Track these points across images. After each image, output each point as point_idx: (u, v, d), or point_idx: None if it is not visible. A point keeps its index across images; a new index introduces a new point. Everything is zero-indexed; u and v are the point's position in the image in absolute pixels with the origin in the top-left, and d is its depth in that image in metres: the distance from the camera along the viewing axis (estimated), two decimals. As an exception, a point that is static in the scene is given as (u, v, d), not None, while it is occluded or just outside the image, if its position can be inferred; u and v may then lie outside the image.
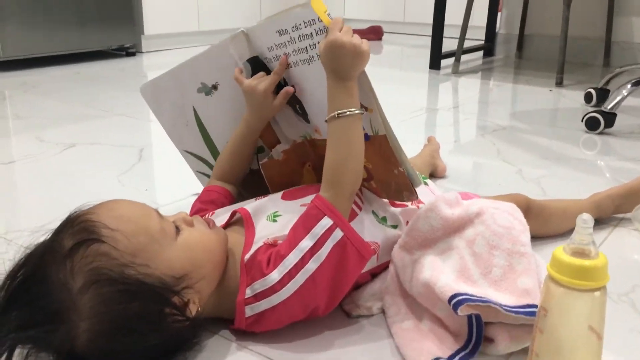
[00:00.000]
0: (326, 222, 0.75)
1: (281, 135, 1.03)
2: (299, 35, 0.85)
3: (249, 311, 0.75)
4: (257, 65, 0.97)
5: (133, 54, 3.12)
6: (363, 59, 0.80)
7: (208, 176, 1.13)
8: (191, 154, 1.13)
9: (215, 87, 1.03)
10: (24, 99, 2.16)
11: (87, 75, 2.62)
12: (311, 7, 0.81)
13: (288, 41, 0.87)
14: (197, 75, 1.03)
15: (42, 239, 0.68)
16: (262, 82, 0.93)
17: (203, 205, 0.97)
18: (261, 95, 0.93)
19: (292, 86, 0.94)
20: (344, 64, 0.79)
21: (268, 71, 0.96)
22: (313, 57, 0.86)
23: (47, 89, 2.33)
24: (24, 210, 1.25)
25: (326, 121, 0.81)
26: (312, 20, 0.82)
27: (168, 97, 1.08)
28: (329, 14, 0.82)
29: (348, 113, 0.79)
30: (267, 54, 0.94)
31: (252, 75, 0.98)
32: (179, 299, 0.69)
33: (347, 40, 0.78)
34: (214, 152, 1.11)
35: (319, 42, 0.82)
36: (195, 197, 1.01)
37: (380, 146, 0.86)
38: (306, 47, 0.86)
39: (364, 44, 0.80)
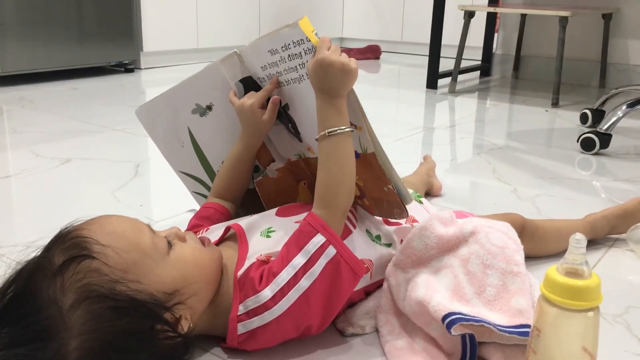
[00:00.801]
0: (319, 239, 0.75)
1: (275, 154, 1.03)
2: (289, 55, 0.86)
3: (242, 328, 0.74)
4: (249, 85, 0.97)
5: (132, 71, 3.13)
6: (351, 77, 0.80)
7: (205, 197, 1.13)
8: (187, 174, 1.13)
9: (209, 107, 1.03)
10: (21, 114, 2.17)
11: (85, 91, 2.63)
12: (299, 27, 0.82)
13: (279, 60, 0.88)
14: (191, 97, 1.04)
15: (33, 255, 0.68)
16: (250, 98, 0.94)
17: (198, 221, 0.96)
18: (249, 111, 0.94)
19: (286, 104, 0.94)
20: (332, 83, 0.80)
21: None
22: (303, 76, 0.86)
23: (44, 104, 2.33)
24: (18, 225, 1.24)
25: (317, 140, 0.81)
26: (301, 40, 0.83)
27: (163, 119, 1.08)
28: (316, 34, 0.83)
29: (339, 131, 0.79)
30: (261, 73, 0.94)
31: (244, 96, 0.99)
32: (171, 315, 0.69)
33: (336, 59, 0.79)
34: (210, 173, 1.11)
35: (307, 62, 0.83)
36: (191, 213, 1.01)
37: (370, 164, 0.86)
38: (296, 67, 0.86)
39: (352, 62, 0.80)
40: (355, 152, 0.87)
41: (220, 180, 1.02)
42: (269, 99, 0.95)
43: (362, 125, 0.84)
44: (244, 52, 0.95)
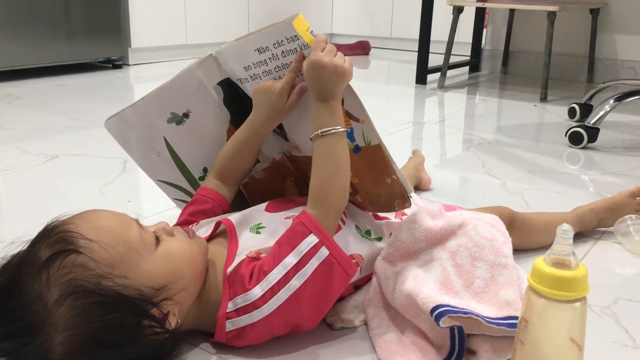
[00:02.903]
0: (312, 240, 0.74)
1: (260, 155, 1.01)
2: (282, 52, 0.84)
3: (230, 325, 0.74)
4: (229, 87, 0.95)
5: (120, 67, 3.11)
6: (345, 79, 0.80)
7: (186, 202, 1.09)
8: (167, 183, 1.09)
9: (186, 115, 0.99)
10: (8, 111, 2.15)
11: (72, 87, 2.61)
12: (292, 25, 0.81)
13: (269, 58, 0.86)
14: (165, 106, 0.99)
15: (19, 249, 0.67)
16: (276, 81, 0.87)
17: (191, 218, 0.93)
18: (275, 95, 0.86)
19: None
20: (325, 84, 0.79)
21: (241, 93, 0.94)
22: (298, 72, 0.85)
23: (31, 101, 2.31)
24: (5, 221, 1.23)
25: (311, 139, 0.81)
26: (295, 36, 0.82)
27: (135, 131, 1.02)
28: (311, 32, 0.82)
29: (332, 131, 0.79)
30: (242, 74, 0.91)
31: (224, 99, 0.96)
32: (158, 311, 0.68)
33: (328, 61, 0.78)
34: (191, 179, 1.07)
35: (305, 57, 0.82)
36: (179, 210, 0.99)
37: (372, 157, 0.86)
38: (291, 63, 0.85)
39: (347, 63, 0.80)
40: (357, 145, 0.86)
41: (222, 163, 0.96)
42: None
43: (365, 119, 0.84)
44: (221, 53, 0.91)
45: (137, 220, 0.73)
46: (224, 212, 0.95)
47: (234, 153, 0.94)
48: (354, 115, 0.84)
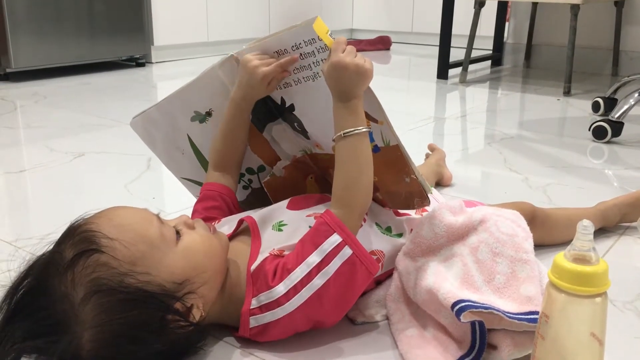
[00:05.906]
0: (335, 239, 0.75)
1: (281, 153, 1.03)
2: (301, 54, 0.85)
3: (254, 322, 0.75)
4: None
5: (143, 65, 3.15)
6: (366, 78, 0.80)
7: None
8: (190, 180, 1.11)
9: (209, 113, 1.01)
10: (35, 109, 2.19)
11: (97, 86, 2.65)
12: (312, 28, 0.81)
13: None
14: (189, 105, 1.01)
15: (44, 249, 0.69)
16: (264, 64, 0.89)
17: (208, 214, 0.95)
18: (257, 78, 0.89)
19: (292, 104, 0.94)
20: (347, 85, 0.80)
21: None
22: (317, 73, 0.86)
23: (57, 99, 2.36)
24: (33, 218, 1.26)
25: (333, 140, 0.81)
26: (313, 39, 0.83)
27: (160, 129, 1.05)
28: (331, 34, 0.83)
29: (355, 132, 0.79)
30: None
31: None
32: (182, 305, 0.70)
33: (350, 61, 0.79)
34: None
35: (322, 60, 0.83)
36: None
37: (391, 157, 0.86)
38: (309, 65, 0.86)
39: (367, 62, 0.80)
40: (376, 145, 0.87)
41: (216, 151, 0.98)
42: (275, 103, 0.94)
43: (383, 119, 0.85)
44: (242, 54, 0.92)
45: (157, 216, 0.74)
46: (233, 203, 0.96)
47: (225, 135, 0.97)
48: (373, 117, 0.85)
